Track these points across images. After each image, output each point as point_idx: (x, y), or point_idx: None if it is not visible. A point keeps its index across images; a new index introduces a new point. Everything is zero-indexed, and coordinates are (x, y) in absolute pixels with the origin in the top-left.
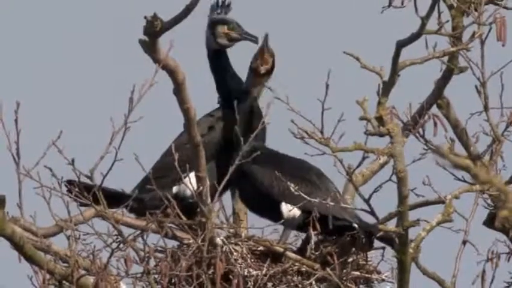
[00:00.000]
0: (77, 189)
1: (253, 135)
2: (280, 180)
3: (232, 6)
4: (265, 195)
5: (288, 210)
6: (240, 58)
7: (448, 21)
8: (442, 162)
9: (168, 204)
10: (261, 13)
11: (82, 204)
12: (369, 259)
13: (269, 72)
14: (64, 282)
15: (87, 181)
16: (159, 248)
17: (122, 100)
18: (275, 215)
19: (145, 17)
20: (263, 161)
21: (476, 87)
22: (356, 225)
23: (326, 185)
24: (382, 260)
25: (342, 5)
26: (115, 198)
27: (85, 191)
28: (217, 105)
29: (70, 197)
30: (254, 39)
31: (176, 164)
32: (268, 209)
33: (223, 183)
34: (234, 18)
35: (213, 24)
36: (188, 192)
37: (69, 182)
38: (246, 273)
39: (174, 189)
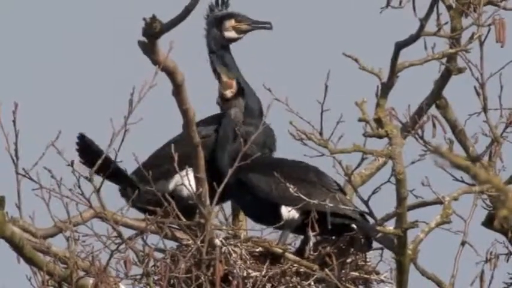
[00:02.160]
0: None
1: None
2: (278, 183)
3: (230, 2)
4: (265, 200)
5: (287, 211)
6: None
7: (447, 22)
8: (441, 162)
9: (168, 205)
10: (261, 14)
11: (85, 163)
12: (367, 260)
13: (237, 93)
14: (63, 283)
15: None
16: (159, 249)
17: (122, 101)
18: (276, 219)
19: (144, 19)
20: (259, 168)
21: (475, 88)
22: (355, 226)
23: (325, 182)
24: (380, 260)
25: (341, 6)
26: (116, 175)
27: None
28: (216, 105)
29: (77, 151)
30: (267, 26)
31: (175, 160)
32: (269, 214)
33: (221, 186)
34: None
35: (218, 21)
36: (184, 193)
37: (83, 137)
38: (245, 274)
39: (171, 187)
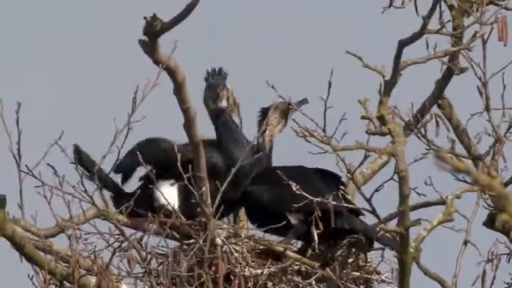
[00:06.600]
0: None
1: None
2: (275, 193)
3: (227, 73)
4: (269, 211)
5: (293, 217)
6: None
7: (449, 20)
8: (442, 166)
9: (171, 209)
10: (264, 13)
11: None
12: (368, 260)
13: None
14: (65, 282)
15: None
16: (161, 249)
17: (125, 100)
18: (285, 226)
19: (144, 17)
20: (259, 179)
21: (477, 87)
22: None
23: (317, 187)
24: (382, 260)
25: (345, 4)
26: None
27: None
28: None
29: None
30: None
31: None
32: (277, 223)
33: (223, 186)
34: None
35: (210, 87)
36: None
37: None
38: (246, 273)
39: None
